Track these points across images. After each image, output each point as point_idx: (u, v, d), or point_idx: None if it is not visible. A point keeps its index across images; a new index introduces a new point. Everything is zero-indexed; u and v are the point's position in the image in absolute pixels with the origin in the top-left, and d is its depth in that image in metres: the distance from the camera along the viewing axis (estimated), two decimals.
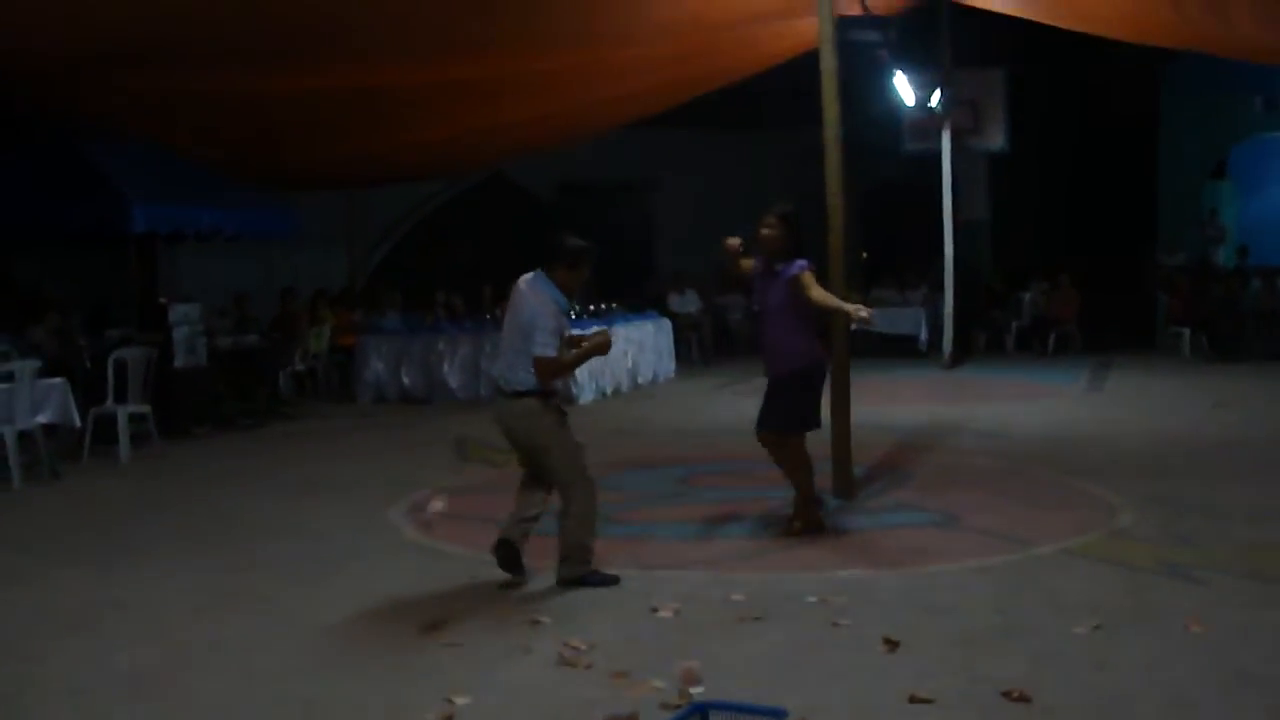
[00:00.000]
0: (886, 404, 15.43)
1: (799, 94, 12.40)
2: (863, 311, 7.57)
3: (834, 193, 9.67)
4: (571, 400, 16.43)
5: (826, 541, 8.20)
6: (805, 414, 8.15)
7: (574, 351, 7.05)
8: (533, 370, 6.88)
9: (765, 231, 8.05)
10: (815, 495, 8.47)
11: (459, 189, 24.10)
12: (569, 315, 7.01)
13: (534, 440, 7.04)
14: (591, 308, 18.30)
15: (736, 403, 15.89)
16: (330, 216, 21.79)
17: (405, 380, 17.46)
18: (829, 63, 9.61)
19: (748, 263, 8.31)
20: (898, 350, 22.31)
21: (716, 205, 24.21)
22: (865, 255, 25.52)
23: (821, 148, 9.69)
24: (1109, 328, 22.60)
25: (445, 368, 17.25)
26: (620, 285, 21.77)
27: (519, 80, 14.22)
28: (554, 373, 6.97)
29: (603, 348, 7.01)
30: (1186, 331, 21.28)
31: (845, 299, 8.54)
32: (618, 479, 10.74)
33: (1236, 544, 7.80)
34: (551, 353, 6.83)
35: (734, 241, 8.09)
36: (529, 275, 7.09)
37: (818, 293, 7.88)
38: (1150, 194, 24.54)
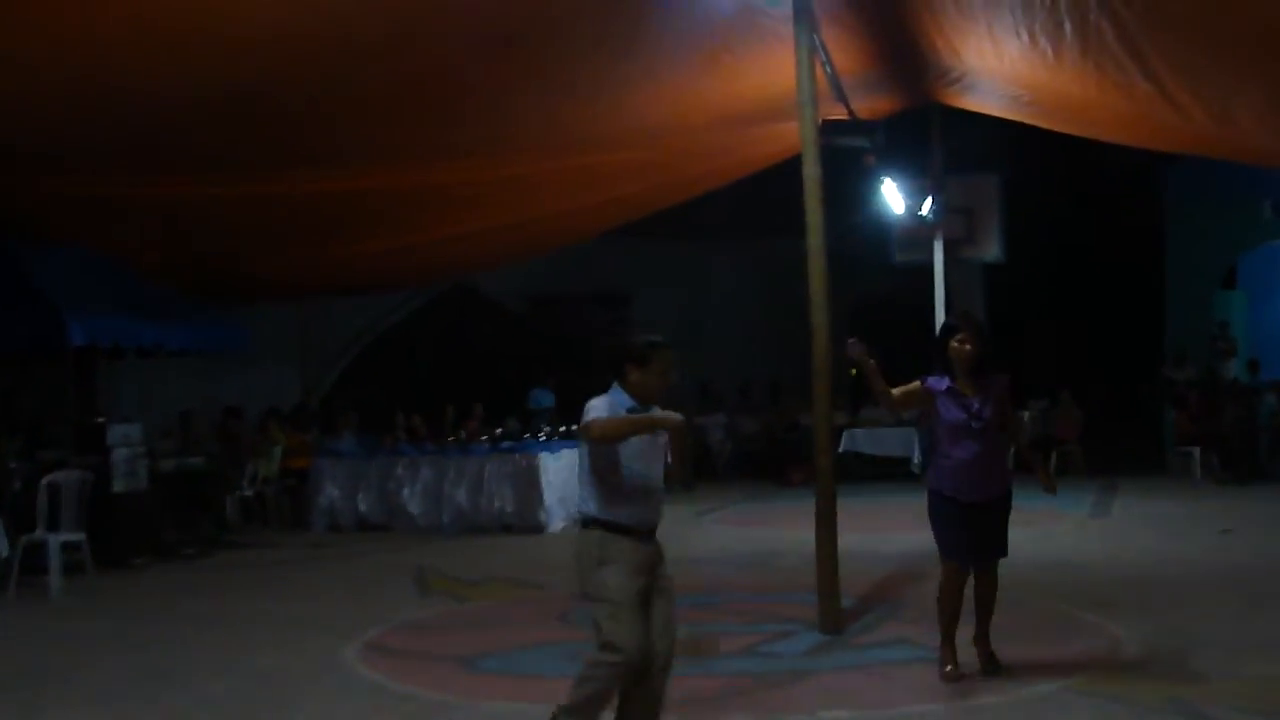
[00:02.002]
0: (876, 530, 15.41)
1: (783, 202, 12.57)
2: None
3: (818, 305, 9.78)
4: (540, 528, 16.40)
5: (811, 680, 8.17)
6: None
7: (633, 417, 6.17)
8: (593, 492, 6.27)
9: (967, 347, 8.06)
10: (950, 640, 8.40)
11: (422, 301, 24.23)
12: (632, 413, 6.18)
13: (583, 581, 6.28)
14: (563, 428, 18.34)
15: (718, 530, 15.89)
16: (284, 330, 21.84)
17: (362, 507, 17.42)
18: (812, 169, 9.76)
19: (906, 389, 8.29)
20: (889, 473, 22.33)
21: (696, 318, 24.46)
22: (854, 372, 25.64)
23: (805, 258, 9.78)
24: (1114, 448, 22.70)
25: (405, 493, 17.22)
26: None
27: (489, 186, 14.37)
28: (603, 432, 6.07)
29: (671, 424, 6.14)
30: (1196, 451, 21.38)
31: (828, 419, 8.59)
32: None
33: (1249, 679, 7.80)
34: (599, 417, 6.09)
35: (858, 347, 8.05)
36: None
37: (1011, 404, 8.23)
38: (1156, 305, 24.78)
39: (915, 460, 22.25)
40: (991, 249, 21.64)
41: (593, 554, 6.20)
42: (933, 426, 8.13)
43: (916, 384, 8.21)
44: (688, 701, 7.66)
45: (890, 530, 15.75)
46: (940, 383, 8.07)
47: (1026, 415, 23.39)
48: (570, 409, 21.02)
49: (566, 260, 22.67)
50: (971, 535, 8.11)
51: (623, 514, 6.21)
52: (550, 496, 16.69)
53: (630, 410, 6.14)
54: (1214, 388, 23.15)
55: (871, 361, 8.11)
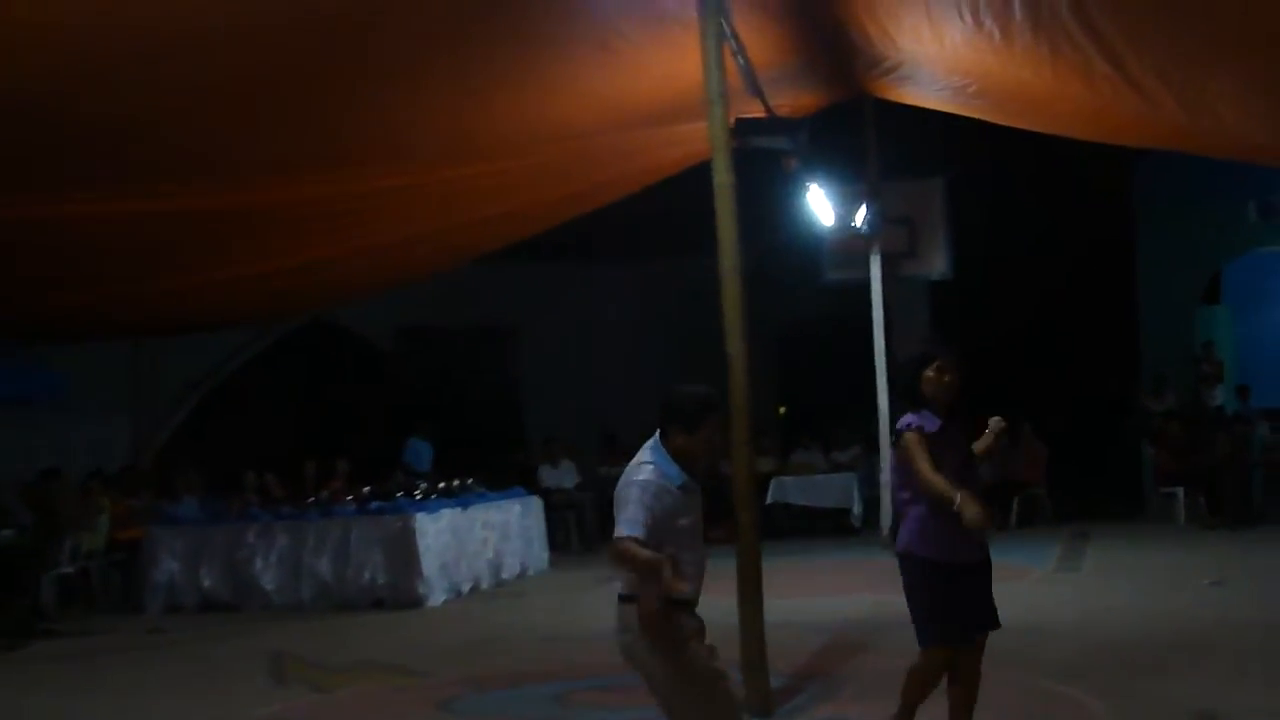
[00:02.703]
0: (811, 594, 15.46)
1: (693, 215, 12.59)
2: None
3: (735, 335, 9.76)
4: (418, 603, 16.30)
5: None
6: None
7: (638, 557, 6.24)
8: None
9: (947, 377, 7.79)
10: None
11: (274, 339, 24.06)
12: (684, 490, 6.40)
13: (634, 663, 6.49)
14: (442, 485, 18.27)
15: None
16: (110, 376, 21.58)
17: (206, 583, 17.24)
18: (724, 176, 9.79)
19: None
20: (826, 527, 22.44)
21: (592, 352, 24.45)
22: (782, 410, 25.75)
23: (718, 280, 9.80)
24: (1086, 490, 22.95)
25: (258, 565, 17.07)
26: (479, 455, 21.73)
27: (347, 204, 14.19)
28: (620, 559, 6.31)
29: (660, 577, 6.18)
30: (1180, 492, 21.63)
31: (751, 467, 8.57)
32: (475, 701, 10.62)
33: None
34: (636, 532, 6.22)
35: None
36: (650, 441, 6.59)
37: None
38: (1130, 325, 25.11)
39: (855, 511, 22.37)
40: (937, 264, 21.81)
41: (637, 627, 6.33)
42: (915, 478, 7.66)
43: (917, 441, 7.67)
44: None
45: (826, 594, 15.81)
46: (932, 423, 7.70)
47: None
48: (452, 459, 21.02)
49: (441, 289, 22.59)
50: (969, 605, 7.85)
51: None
52: (429, 565, 16.59)
53: (680, 487, 6.32)
54: (1198, 418, 23.44)
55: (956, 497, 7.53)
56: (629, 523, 6.21)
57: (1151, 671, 10.50)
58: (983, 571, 7.89)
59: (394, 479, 19.38)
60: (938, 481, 7.46)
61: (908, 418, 7.67)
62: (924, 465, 7.52)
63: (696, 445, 6.40)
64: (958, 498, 7.33)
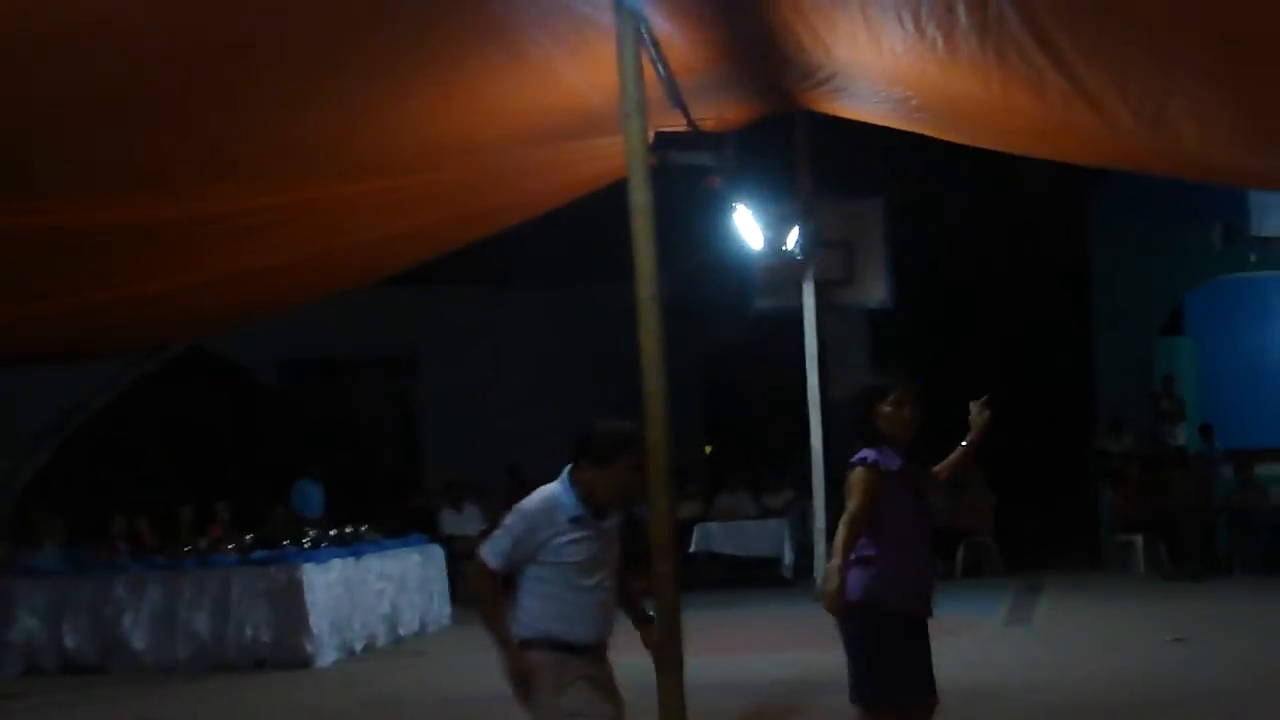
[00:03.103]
0: (739, 652, 15.46)
1: (609, 239, 12.59)
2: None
3: (653, 369, 9.74)
4: (306, 662, 16.17)
5: None
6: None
7: (493, 625, 6.76)
8: (526, 610, 6.76)
9: (905, 410, 7.79)
10: None
11: (144, 372, 23.84)
12: (577, 524, 6.69)
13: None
14: (333, 532, 18.15)
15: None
16: None
17: (69, 641, 17.05)
18: (641, 195, 9.78)
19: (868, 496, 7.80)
20: (754, 578, 22.46)
21: (499, 386, 24.39)
22: (708, 450, 25.79)
23: (635, 309, 9.81)
24: (1038, 537, 23.10)
25: (127, 622, 16.90)
26: (373, 501, 21.64)
27: (225, 222, 14.09)
28: (474, 587, 6.81)
29: (516, 674, 6.74)
30: (1139, 539, 21.81)
31: (670, 511, 8.55)
32: None
33: None
34: (491, 562, 6.67)
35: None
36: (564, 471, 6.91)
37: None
38: (1085, 358, 25.30)
39: (786, 561, 22.41)
40: (875, 292, 21.87)
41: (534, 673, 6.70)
42: (872, 521, 7.60)
43: (867, 480, 7.69)
44: None
45: (754, 651, 15.82)
46: (892, 460, 7.66)
47: None
48: (344, 504, 20.90)
49: (331, 316, 22.49)
50: (923, 662, 7.81)
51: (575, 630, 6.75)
52: (319, 621, 16.47)
53: (573, 520, 6.60)
54: (1158, 460, 23.64)
55: (835, 579, 7.55)
56: (489, 546, 6.65)
57: None
58: (924, 629, 7.86)
59: (275, 520, 19.21)
60: (846, 536, 7.46)
61: (865, 452, 7.65)
62: (857, 506, 7.55)
63: (607, 481, 6.64)
64: (834, 575, 7.35)
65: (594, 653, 6.72)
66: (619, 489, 6.71)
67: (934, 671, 7.69)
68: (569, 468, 6.73)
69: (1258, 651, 14.45)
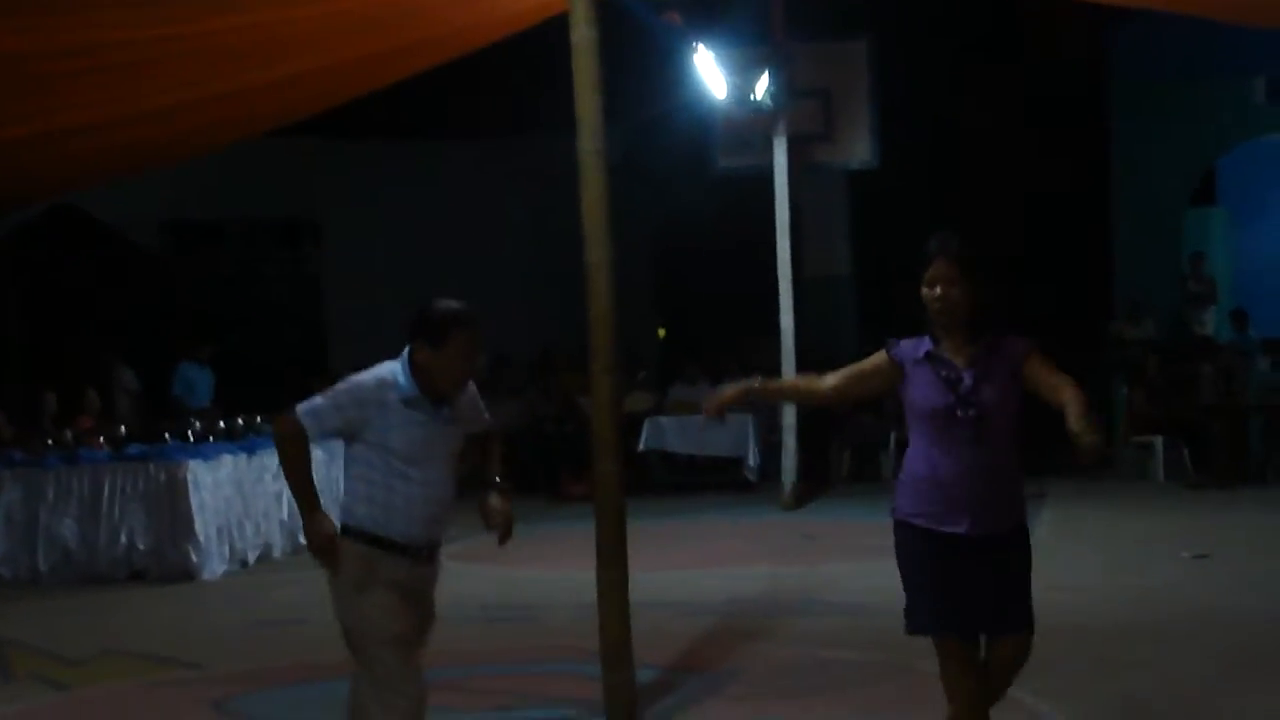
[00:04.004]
0: (693, 566, 15.55)
1: (546, 84, 12.53)
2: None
3: (597, 237, 9.73)
4: (190, 575, 16.18)
5: None
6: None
7: (302, 487, 7.11)
8: (348, 494, 7.07)
9: (941, 290, 7.37)
10: None
11: (1, 233, 23.75)
12: (410, 406, 6.96)
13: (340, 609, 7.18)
14: (223, 424, 18.12)
15: (463, 571, 15.83)
16: None
17: None
18: (584, 31, 9.72)
19: (859, 370, 7.69)
20: (714, 481, 22.56)
21: (420, 256, 24.32)
22: (661, 333, 25.82)
23: (576, 166, 9.80)
24: (1041, 438, 23.22)
25: None
26: (271, 386, 21.58)
27: (97, 56, 14.00)
28: (281, 445, 7.10)
29: (315, 545, 7.07)
30: (1158, 442, 21.93)
31: (615, 404, 8.57)
32: (257, 700, 10.66)
33: None
34: (305, 423, 6.96)
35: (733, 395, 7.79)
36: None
37: (1053, 368, 7.43)
38: (1101, 232, 25.30)
39: (750, 462, 22.49)
40: (858, 150, 21.89)
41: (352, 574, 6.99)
42: (905, 418, 7.52)
43: (876, 357, 7.56)
44: None
45: (712, 566, 15.92)
46: (916, 347, 7.46)
47: None
48: (235, 391, 20.87)
49: (221, 172, 22.39)
50: (952, 591, 7.44)
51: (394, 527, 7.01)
52: (205, 527, 16.49)
53: (406, 401, 6.90)
54: (1184, 351, 23.67)
55: (755, 384, 7.97)
56: (307, 407, 6.96)
57: (1119, 665, 10.66)
58: (998, 550, 7.49)
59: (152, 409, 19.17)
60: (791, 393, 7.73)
61: (897, 343, 7.51)
62: (793, 385, 7.74)
63: (440, 364, 6.97)
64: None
65: (414, 554, 7.02)
66: (452, 372, 7.01)
67: (999, 609, 7.39)
68: (408, 349, 7.04)
69: None
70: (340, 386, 6.98)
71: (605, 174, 9.74)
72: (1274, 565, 14.80)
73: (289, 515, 18.04)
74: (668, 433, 22.79)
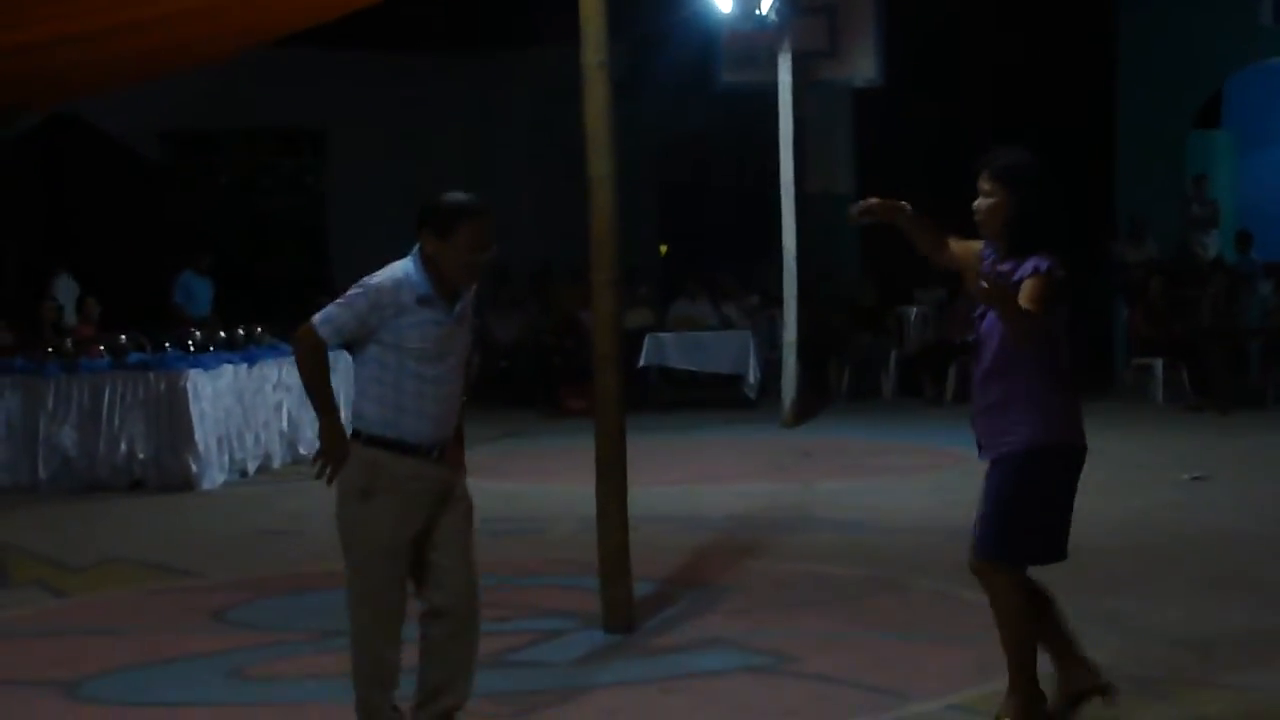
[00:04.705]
0: (692, 482, 15.59)
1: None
2: None
3: (600, 152, 9.71)
4: (190, 484, 16.21)
5: (588, 700, 8.25)
6: (1028, 531, 7.41)
7: (320, 392, 6.97)
8: (359, 395, 6.99)
9: (978, 202, 7.46)
10: (1034, 680, 7.44)
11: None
12: (425, 304, 6.86)
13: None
14: (224, 334, 18.10)
15: None
16: None
17: None
18: None
19: (966, 246, 7.70)
20: (714, 398, 22.58)
21: (422, 167, 24.27)
22: (664, 250, 25.80)
23: (581, 80, 9.75)
24: None
25: None
26: (272, 297, 21.62)
27: None
28: (300, 357, 7.00)
29: (327, 447, 6.93)
30: (1159, 363, 21.91)
31: (616, 318, 8.59)
32: (257, 609, 10.67)
33: (1224, 690, 8.12)
34: (323, 333, 6.85)
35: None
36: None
37: (1031, 295, 7.13)
38: (1104, 152, 25.25)
39: (751, 380, 22.51)
40: (863, 67, 21.83)
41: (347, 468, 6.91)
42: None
43: (976, 246, 7.60)
44: None
45: (711, 482, 15.96)
46: (989, 252, 7.47)
47: (914, 313, 23.84)
48: (237, 301, 20.87)
49: (224, 83, 22.32)
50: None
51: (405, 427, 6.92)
52: (205, 436, 16.50)
53: (420, 299, 6.80)
54: (1186, 272, 23.65)
55: (904, 206, 7.76)
56: (323, 317, 6.84)
57: (1105, 586, 10.63)
58: (991, 471, 7.46)
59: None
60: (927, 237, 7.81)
61: (1038, 259, 7.28)
62: (934, 235, 7.81)
63: (449, 255, 6.87)
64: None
65: (425, 453, 6.92)
66: (461, 264, 6.90)
67: (976, 530, 7.42)
68: (417, 245, 6.97)
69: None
70: (354, 291, 6.84)
71: (608, 87, 9.70)
72: (1271, 488, 14.83)
73: (289, 426, 18.10)
74: (668, 349, 22.77)
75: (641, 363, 22.19)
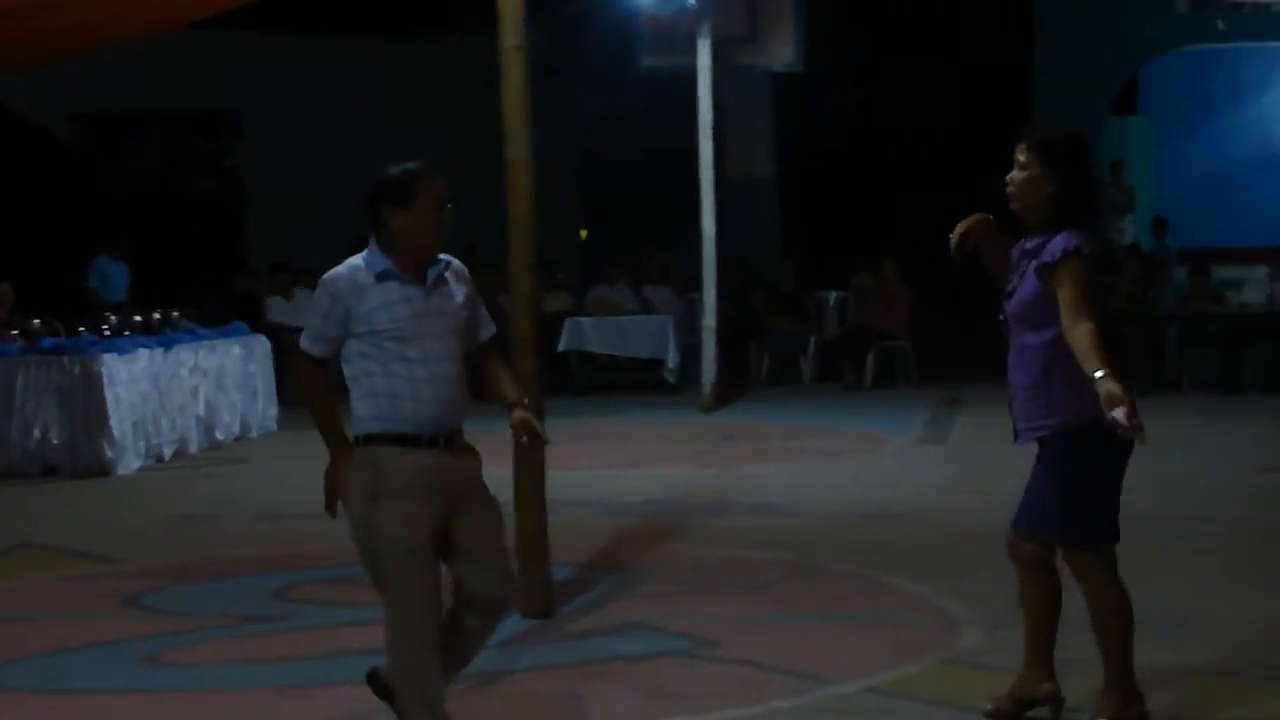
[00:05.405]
0: (612, 466, 15.60)
1: None
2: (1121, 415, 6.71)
3: (517, 135, 9.70)
4: (105, 470, 16.11)
5: (505, 686, 8.24)
6: (1103, 508, 7.33)
7: (323, 419, 6.82)
8: (353, 398, 6.79)
9: (1012, 174, 7.39)
10: (1133, 676, 7.30)
11: None
12: (388, 280, 6.67)
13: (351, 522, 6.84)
14: (139, 318, 17.99)
15: None
16: None
17: None
18: None
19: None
20: (633, 382, 22.59)
21: (342, 152, 24.21)
22: (583, 234, 25.79)
23: (499, 64, 9.72)
24: (958, 345, 23.35)
25: None
26: (189, 282, 21.51)
27: None
28: (301, 382, 6.91)
29: (327, 481, 6.82)
30: None
31: (534, 302, 8.57)
32: (172, 595, 10.62)
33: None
34: (308, 346, 6.74)
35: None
36: None
37: (1073, 296, 7.11)
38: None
39: (670, 365, 22.52)
40: (783, 53, 21.85)
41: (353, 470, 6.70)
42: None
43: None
44: None
45: (630, 466, 15.97)
46: (1022, 243, 7.43)
47: (833, 298, 23.90)
48: (152, 286, 20.74)
49: (138, 63, 22.18)
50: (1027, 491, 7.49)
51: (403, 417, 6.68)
52: (120, 422, 16.39)
53: (380, 276, 6.63)
54: (1102, 258, 23.79)
55: (990, 220, 7.55)
56: (305, 333, 6.73)
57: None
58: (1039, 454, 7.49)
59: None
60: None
61: (1067, 237, 7.26)
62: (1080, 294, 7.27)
63: (415, 223, 6.72)
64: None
65: (428, 442, 6.67)
66: (429, 230, 6.74)
67: (1024, 506, 7.46)
68: (373, 235, 6.81)
69: (1202, 477, 14.73)
70: (315, 294, 6.76)
71: (525, 70, 9.69)
72: (1184, 470, 14.91)
73: (205, 410, 18.01)
74: (587, 333, 22.77)
75: (561, 347, 22.19)
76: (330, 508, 6.77)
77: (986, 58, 25.43)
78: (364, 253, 6.75)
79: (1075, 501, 7.13)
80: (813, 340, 23.62)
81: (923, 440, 17.55)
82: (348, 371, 6.72)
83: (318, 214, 24.94)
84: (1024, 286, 7.26)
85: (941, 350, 22.92)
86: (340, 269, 6.72)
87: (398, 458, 6.59)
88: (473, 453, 6.92)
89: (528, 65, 9.72)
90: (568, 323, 22.54)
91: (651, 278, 23.96)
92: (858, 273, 23.88)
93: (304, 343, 6.71)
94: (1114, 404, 6.63)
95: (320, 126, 25.36)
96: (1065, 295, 7.05)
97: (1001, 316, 7.42)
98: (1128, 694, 7.20)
